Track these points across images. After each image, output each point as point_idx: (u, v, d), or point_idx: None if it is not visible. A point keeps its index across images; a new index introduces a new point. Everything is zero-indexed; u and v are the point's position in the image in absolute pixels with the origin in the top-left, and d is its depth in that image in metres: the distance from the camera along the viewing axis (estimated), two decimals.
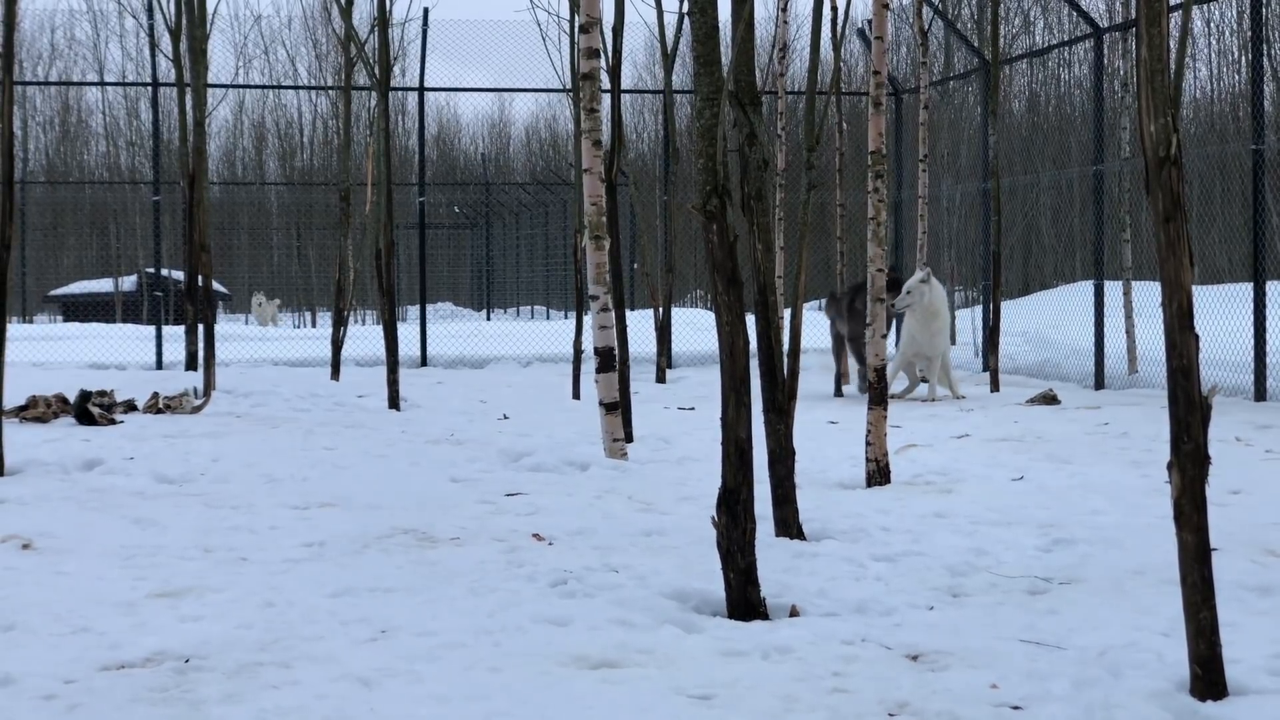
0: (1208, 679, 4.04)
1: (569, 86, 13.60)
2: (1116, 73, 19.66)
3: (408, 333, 19.55)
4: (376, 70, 12.78)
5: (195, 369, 15.79)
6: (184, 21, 14.78)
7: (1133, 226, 16.59)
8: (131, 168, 44.27)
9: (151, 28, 19.79)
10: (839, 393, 14.33)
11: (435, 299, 41.32)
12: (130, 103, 44.67)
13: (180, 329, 19.09)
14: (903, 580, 5.69)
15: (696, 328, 20.45)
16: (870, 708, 4.08)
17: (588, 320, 10.39)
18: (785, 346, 6.96)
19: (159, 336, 19.17)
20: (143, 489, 8.01)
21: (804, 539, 6.44)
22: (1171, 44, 4.01)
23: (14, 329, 19.59)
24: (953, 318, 14.31)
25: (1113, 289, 16.19)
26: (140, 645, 4.73)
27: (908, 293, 13.52)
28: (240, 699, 4.17)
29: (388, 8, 12.60)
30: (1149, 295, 15.78)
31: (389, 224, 12.95)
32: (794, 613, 5.16)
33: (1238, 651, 4.35)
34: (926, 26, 18.42)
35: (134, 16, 26.26)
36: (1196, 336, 3.98)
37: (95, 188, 42.98)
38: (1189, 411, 3.97)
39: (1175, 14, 13.21)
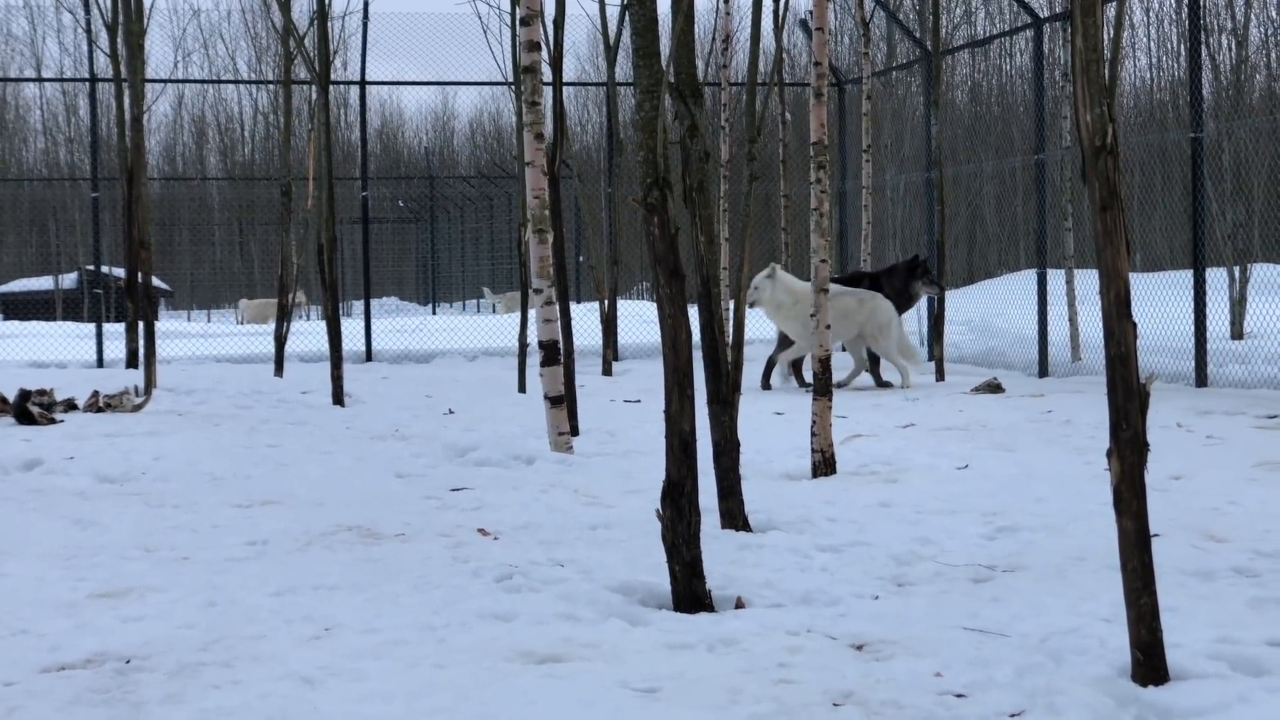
0: (1149, 664, 4.07)
1: (511, 80, 13.55)
2: (1057, 62, 19.79)
3: (352, 328, 19.47)
4: (316, 64, 12.70)
5: (136, 367, 15.66)
6: (121, 16, 14.63)
7: (1075, 215, 16.68)
8: (70, 164, 43.83)
9: (89, 22, 19.59)
10: (767, 384, 14.31)
11: (380, 294, 41.11)
12: (69, 99, 44.27)
13: (121, 326, 18.93)
14: (848, 570, 5.70)
15: (643, 320, 20.44)
16: (815, 698, 4.08)
17: (532, 314, 10.37)
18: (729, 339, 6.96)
19: (99, 334, 18.99)
20: (84, 489, 7.94)
21: (750, 530, 6.45)
22: (1109, 32, 4.03)
23: None
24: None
25: (1056, 277, 16.30)
26: (81, 646, 4.68)
27: (755, 289, 13.78)
28: (182, 699, 4.13)
29: (327, 1, 12.51)
30: (1092, 283, 15.87)
31: (331, 218, 12.87)
32: (740, 604, 5.16)
33: (1179, 636, 4.38)
34: (868, 17, 18.48)
35: (70, 11, 26.02)
36: (1134, 324, 4.00)
37: (34, 185, 42.53)
38: (1127, 399, 4.00)
39: (1113, 3, 13.29)
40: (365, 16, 19.80)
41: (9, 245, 41.60)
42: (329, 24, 12.60)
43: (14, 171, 44.88)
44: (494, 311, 30.82)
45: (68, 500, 7.54)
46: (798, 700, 4.07)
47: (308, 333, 20.11)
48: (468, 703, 4.05)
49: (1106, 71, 3.95)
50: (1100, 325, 4.07)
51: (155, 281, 15.86)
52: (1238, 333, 17.37)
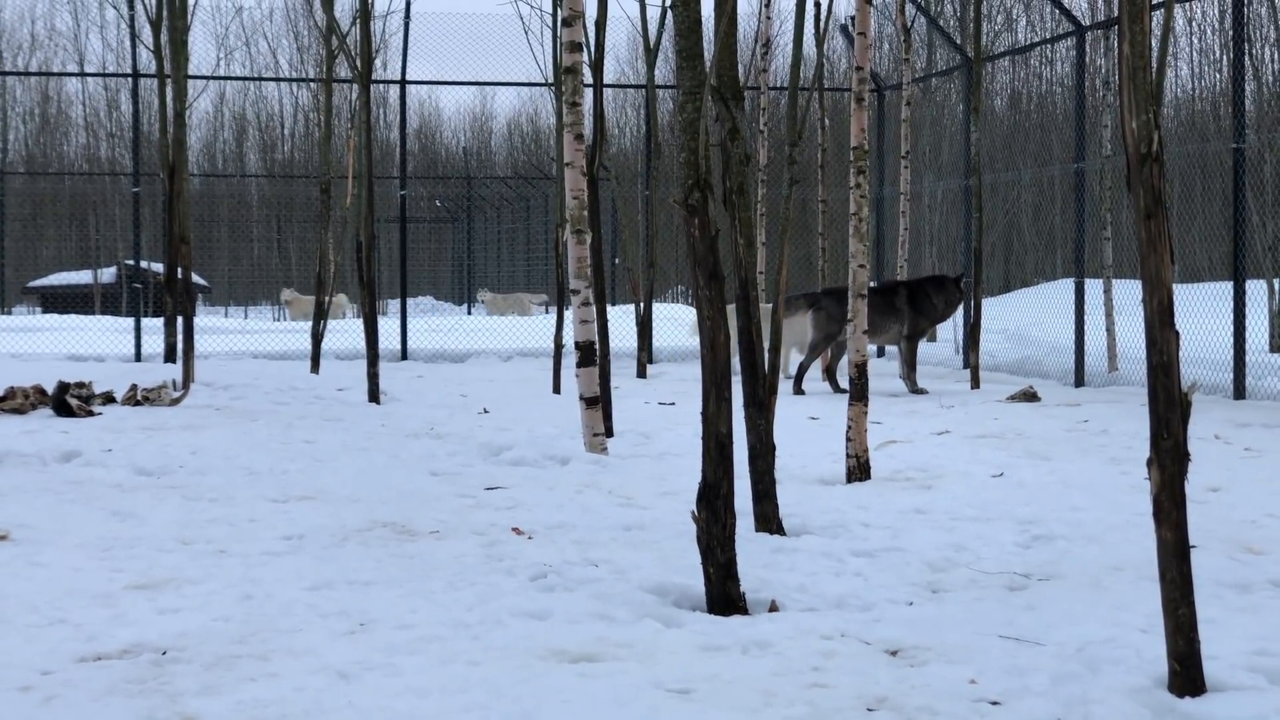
0: (1186, 675, 4.04)
1: (551, 80, 13.57)
2: (1098, 70, 19.70)
3: (388, 326, 19.55)
4: (358, 63, 12.74)
5: (174, 361, 15.75)
6: (164, 12, 14.72)
7: (1113, 224, 16.59)
8: (111, 159, 44.11)
9: (132, 19, 19.69)
10: (799, 389, 14.28)
11: (416, 293, 41.25)
12: (110, 94, 44.55)
13: (159, 321, 19.05)
14: (882, 576, 5.69)
15: (677, 323, 20.44)
16: (849, 702, 4.08)
17: (569, 315, 10.38)
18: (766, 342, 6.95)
19: (138, 328, 19.11)
20: (121, 481, 7.99)
21: (784, 534, 6.44)
22: (1153, 41, 4.01)
23: None
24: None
25: (1093, 287, 16.22)
26: (117, 637, 4.71)
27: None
28: (218, 691, 4.15)
29: (369, 0, 12.55)
30: (1129, 293, 15.80)
31: (370, 217, 12.91)
32: (773, 608, 5.15)
33: (1216, 648, 4.35)
34: (909, 23, 18.44)
35: (114, 7, 26.17)
36: (1177, 333, 3.98)
37: (75, 179, 42.79)
38: (1169, 408, 3.98)
39: (1157, 11, 13.23)
40: (407, 16, 19.87)
41: (49, 239, 41.86)
42: (371, 23, 12.65)
43: (55, 166, 45.17)
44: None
45: (105, 492, 7.59)
46: (831, 704, 4.06)
47: (344, 330, 20.20)
48: (501, 700, 4.06)
49: (1152, 79, 3.94)
50: (1139, 335, 4.05)
51: (194, 277, 15.92)
52: (1277, 345, 17.26)
